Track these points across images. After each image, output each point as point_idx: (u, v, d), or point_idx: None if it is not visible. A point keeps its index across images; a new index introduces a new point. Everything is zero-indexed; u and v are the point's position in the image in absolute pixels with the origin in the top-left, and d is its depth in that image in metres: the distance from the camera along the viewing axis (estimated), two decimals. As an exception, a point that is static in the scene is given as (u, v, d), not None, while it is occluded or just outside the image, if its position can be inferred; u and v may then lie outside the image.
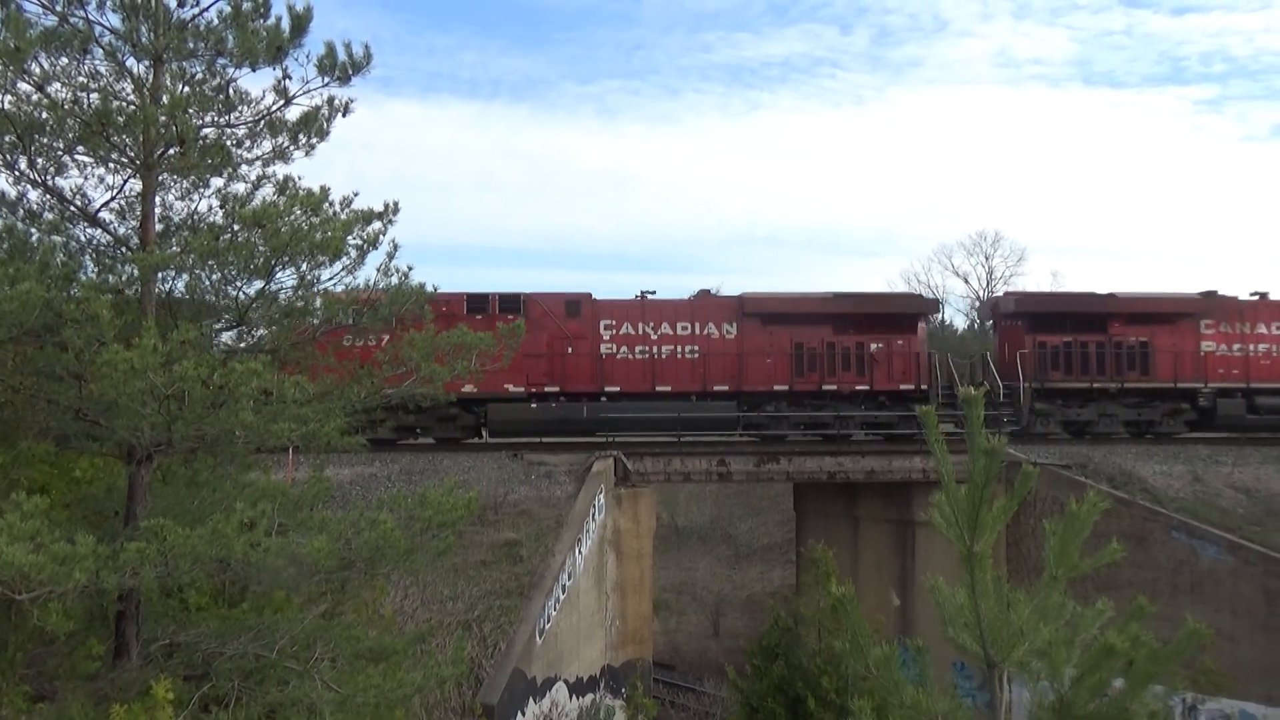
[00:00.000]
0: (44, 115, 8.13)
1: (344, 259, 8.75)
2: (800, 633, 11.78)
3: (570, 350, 22.60)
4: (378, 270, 9.21)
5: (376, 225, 8.97)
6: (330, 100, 8.98)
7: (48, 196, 8.73)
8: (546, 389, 22.48)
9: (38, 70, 8.08)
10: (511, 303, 22.56)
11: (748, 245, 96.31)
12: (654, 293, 23.78)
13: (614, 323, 22.96)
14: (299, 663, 8.52)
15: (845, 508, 23.87)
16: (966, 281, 48.36)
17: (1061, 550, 4.10)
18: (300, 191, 8.71)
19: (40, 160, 8.46)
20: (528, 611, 14.85)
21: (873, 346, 23.20)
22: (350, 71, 8.86)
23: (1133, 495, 19.74)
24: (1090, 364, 23.46)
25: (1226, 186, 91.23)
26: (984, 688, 4.28)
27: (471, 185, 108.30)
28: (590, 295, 23.21)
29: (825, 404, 23.14)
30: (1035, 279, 58.99)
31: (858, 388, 23.09)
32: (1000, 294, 25.01)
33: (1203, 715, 15.84)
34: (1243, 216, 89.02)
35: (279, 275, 8.57)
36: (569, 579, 16.45)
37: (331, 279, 8.94)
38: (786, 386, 22.96)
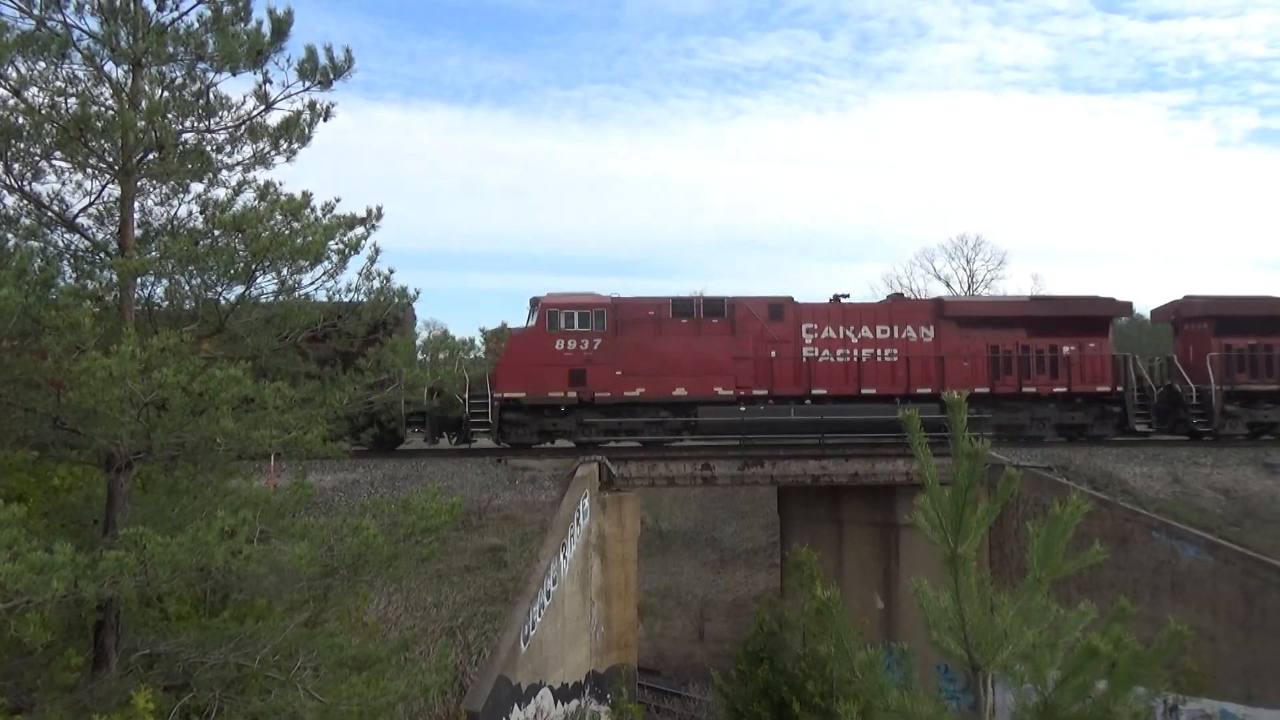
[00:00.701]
0: (21, 120, 8.05)
1: (325, 263, 8.70)
2: (785, 637, 11.78)
3: (774, 353, 22.96)
4: (359, 275, 9.15)
5: (359, 230, 8.92)
6: (312, 105, 8.93)
7: (25, 202, 8.64)
8: (754, 391, 22.83)
9: (14, 74, 8.00)
10: (715, 306, 23.13)
11: (731, 249, 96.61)
12: (847, 296, 24.46)
13: (815, 326, 23.39)
14: (281, 672, 8.44)
15: (829, 511, 23.93)
16: (948, 285, 48.75)
17: (1044, 553, 4.12)
18: (281, 197, 8.65)
19: (17, 165, 8.37)
20: (512, 618, 14.79)
21: (1066, 349, 23.67)
22: (331, 76, 8.81)
23: (1113, 497, 19.89)
24: (1275, 367, 24.03)
25: (1203, 191, 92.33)
26: (968, 691, 4.29)
27: (454, 190, 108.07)
28: (792, 299, 23.63)
29: (1020, 407, 23.56)
30: (1015, 282, 59.48)
31: (1055, 390, 23.54)
32: (1182, 298, 25.72)
33: (1184, 715, 15.95)
34: (1219, 220, 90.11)
35: (259, 280, 8.50)
36: (553, 584, 16.39)
37: (313, 284, 8.89)
38: (987, 389, 23.31)
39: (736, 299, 23.25)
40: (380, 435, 19.98)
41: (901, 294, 25.72)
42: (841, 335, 23.37)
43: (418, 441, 23.96)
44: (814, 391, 23.01)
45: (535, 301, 23.25)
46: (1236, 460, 21.99)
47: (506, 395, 22.07)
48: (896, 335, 23.46)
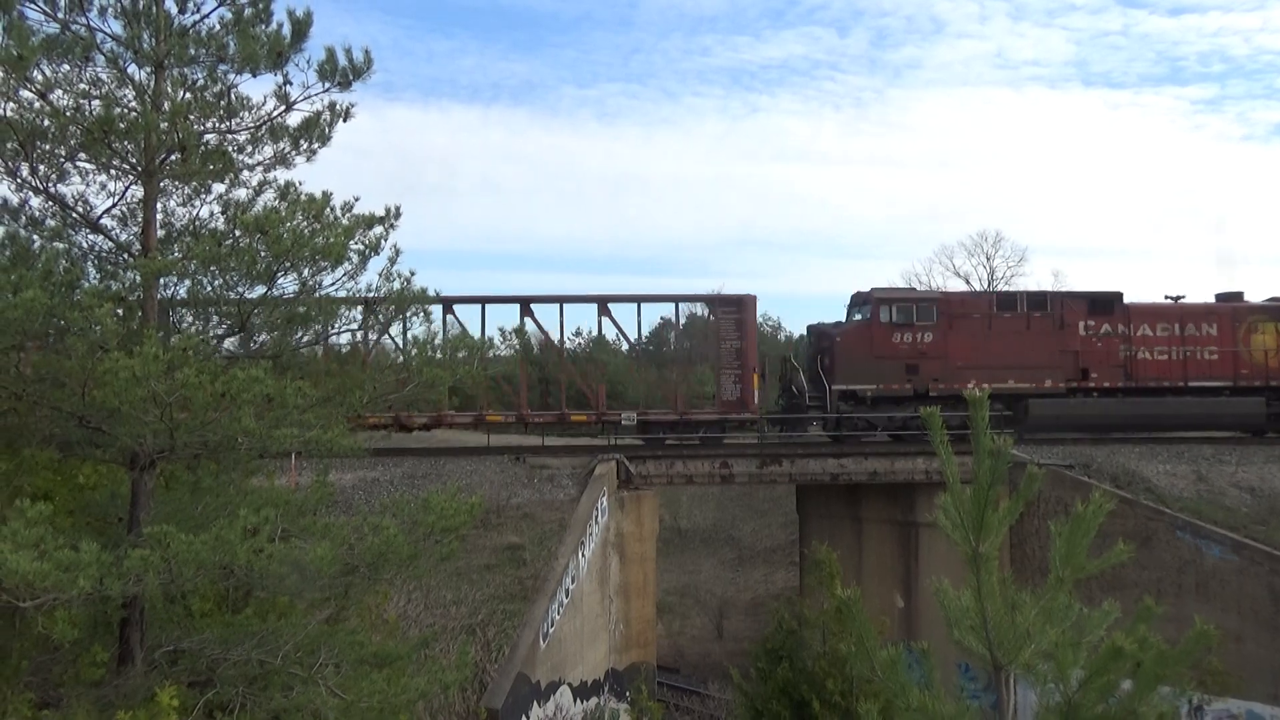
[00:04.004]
0: (46, 122, 8.13)
1: (346, 264, 8.74)
2: (805, 635, 11.76)
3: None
4: (380, 275, 9.20)
5: (378, 230, 8.97)
6: (331, 105, 8.98)
7: (50, 203, 8.74)
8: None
9: (40, 78, 8.09)
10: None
11: (747, 247, 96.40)
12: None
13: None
14: (303, 669, 8.50)
15: (849, 509, 23.84)
16: (968, 282, 48.37)
17: (1067, 551, 4.09)
18: (302, 197, 8.71)
19: (42, 167, 8.46)
20: (531, 615, 14.83)
21: None
22: (351, 77, 8.86)
23: (1137, 495, 19.70)
24: None
25: (1228, 186, 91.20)
26: (990, 690, 4.26)
27: (472, 189, 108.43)
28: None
29: None
30: (1036, 279, 58.97)
31: None
32: None
33: (1209, 715, 15.79)
34: (1245, 216, 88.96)
35: (281, 281, 8.56)
36: (572, 582, 16.43)
37: (333, 284, 8.94)
38: None
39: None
40: None
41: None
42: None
43: (440, 436, 24.12)
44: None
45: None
46: (1263, 458, 21.72)
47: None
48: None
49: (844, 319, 25.02)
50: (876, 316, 23.26)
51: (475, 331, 22.34)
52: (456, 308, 22.51)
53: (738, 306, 23.40)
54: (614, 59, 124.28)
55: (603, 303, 23.33)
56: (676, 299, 24.80)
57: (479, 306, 22.73)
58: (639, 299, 23.48)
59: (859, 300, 24.33)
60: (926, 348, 23.18)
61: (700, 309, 29.41)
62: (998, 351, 23.19)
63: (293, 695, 8.25)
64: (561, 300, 23.33)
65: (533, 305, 23.15)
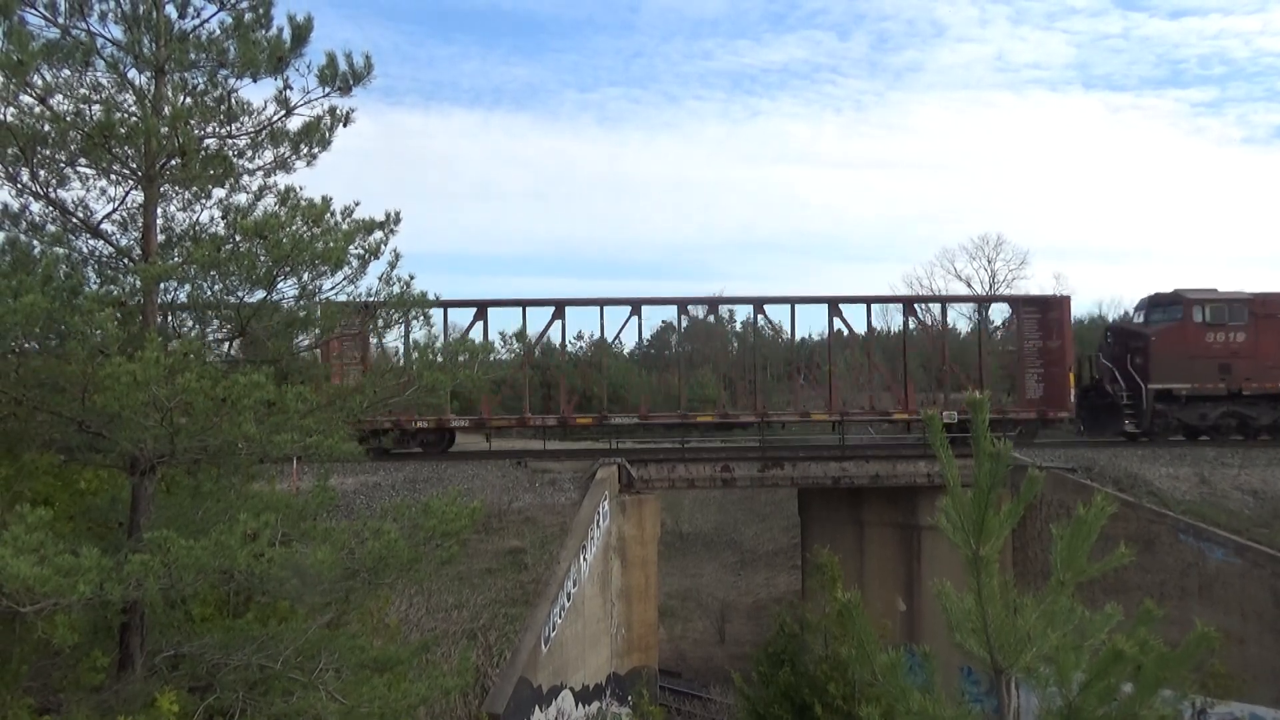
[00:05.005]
0: (46, 127, 8.13)
1: (346, 269, 8.74)
2: (806, 639, 11.75)
3: None
4: (379, 280, 9.19)
5: (378, 235, 8.96)
6: (332, 110, 8.98)
7: (50, 208, 8.73)
8: None
9: (40, 82, 8.09)
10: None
11: (749, 251, 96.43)
12: None
13: None
14: (303, 673, 8.49)
15: (850, 513, 23.81)
16: (969, 285, 48.33)
17: (1069, 554, 4.07)
18: (302, 202, 8.70)
19: (43, 172, 8.46)
20: (533, 619, 14.80)
21: None
22: (351, 82, 8.86)
23: (1139, 498, 19.65)
24: None
25: (1229, 188, 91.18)
26: (991, 693, 4.25)
27: (473, 193, 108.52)
28: None
29: None
30: (1038, 283, 59.02)
31: None
32: None
33: (1212, 719, 15.73)
34: (1246, 218, 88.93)
35: (281, 286, 8.56)
36: (574, 586, 16.40)
37: (333, 289, 8.93)
38: None
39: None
40: None
41: None
42: None
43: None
44: None
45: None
46: (1266, 461, 21.67)
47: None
48: None
49: (1143, 320, 25.46)
50: (1189, 317, 23.79)
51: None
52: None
53: (1043, 306, 24.50)
54: (615, 63, 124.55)
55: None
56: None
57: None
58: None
59: (1161, 301, 24.75)
60: (1238, 347, 23.64)
61: (707, 311, 29.97)
62: None
63: (293, 700, 8.23)
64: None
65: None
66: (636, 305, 23.68)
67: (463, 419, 22.87)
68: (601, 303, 23.85)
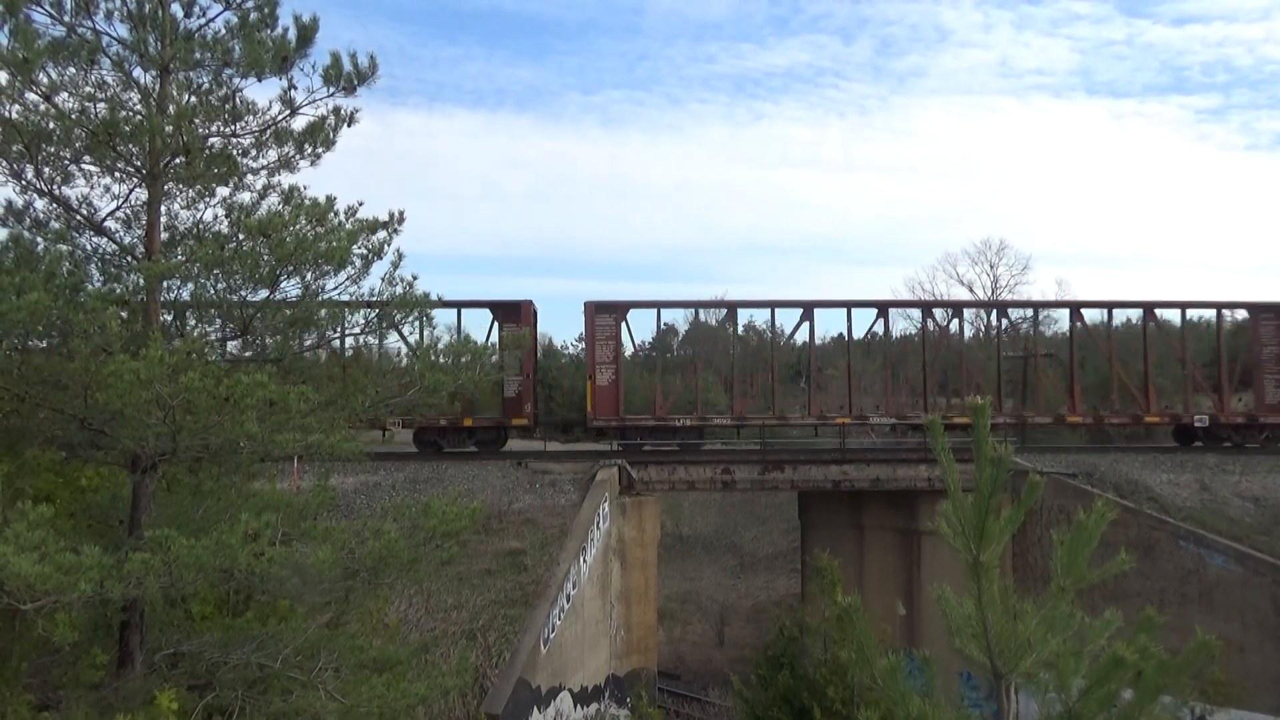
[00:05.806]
0: (51, 125, 8.14)
1: (349, 268, 8.75)
2: (806, 642, 11.72)
3: None
4: (382, 280, 9.19)
5: (381, 235, 8.96)
6: (336, 110, 8.99)
7: (54, 206, 8.75)
8: None
9: (45, 80, 8.10)
10: None
11: (751, 254, 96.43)
12: None
13: None
14: (303, 673, 8.48)
15: (851, 516, 23.80)
16: (971, 290, 48.27)
17: (1069, 560, 4.07)
18: (306, 201, 8.71)
19: (47, 169, 8.47)
20: (532, 620, 14.80)
21: None
22: (356, 82, 8.87)
23: (1139, 504, 19.64)
24: None
25: (1232, 194, 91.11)
26: (991, 699, 4.24)
27: (476, 194, 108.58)
28: None
29: None
30: (1040, 288, 58.89)
31: None
32: None
33: (1211, 726, 15.70)
34: (1249, 224, 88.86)
35: (284, 285, 8.57)
36: (573, 588, 16.40)
37: (336, 288, 8.94)
38: None
39: None
40: None
41: None
42: None
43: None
44: None
45: None
46: (1267, 468, 21.65)
47: None
48: None
49: None
50: None
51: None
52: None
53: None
54: (619, 66, 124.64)
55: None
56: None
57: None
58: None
59: None
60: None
61: (709, 316, 29.95)
62: None
63: (292, 699, 8.23)
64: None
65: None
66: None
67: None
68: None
